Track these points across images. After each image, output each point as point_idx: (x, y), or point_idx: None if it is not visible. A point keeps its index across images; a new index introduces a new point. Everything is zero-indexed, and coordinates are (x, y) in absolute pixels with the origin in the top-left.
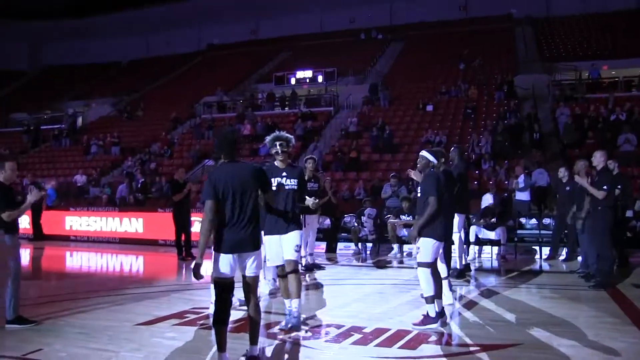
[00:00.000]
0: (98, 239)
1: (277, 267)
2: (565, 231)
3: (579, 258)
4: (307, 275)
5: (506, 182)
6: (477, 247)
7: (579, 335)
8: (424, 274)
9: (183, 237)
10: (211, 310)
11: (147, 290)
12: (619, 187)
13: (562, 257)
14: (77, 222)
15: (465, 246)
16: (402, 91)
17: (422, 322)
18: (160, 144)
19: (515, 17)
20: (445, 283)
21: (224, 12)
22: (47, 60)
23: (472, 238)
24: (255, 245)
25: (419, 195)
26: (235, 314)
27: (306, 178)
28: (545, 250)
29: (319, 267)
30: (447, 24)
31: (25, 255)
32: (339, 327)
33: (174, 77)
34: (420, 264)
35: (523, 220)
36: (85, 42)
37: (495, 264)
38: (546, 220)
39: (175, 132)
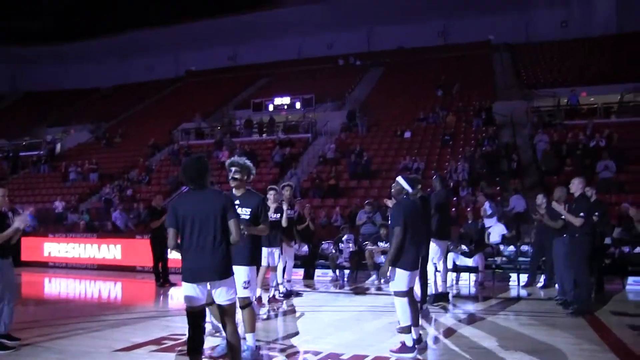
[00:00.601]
0: (76, 265)
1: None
2: (543, 258)
3: (557, 285)
4: (284, 301)
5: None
6: (454, 274)
7: None
8: (400, 303)
9: (160, 264)
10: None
11: (125, 317)
12: (597, 214)
13: (540, 284)
14: (55, 248)
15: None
16: (380, 117)
17: (399, 350)
18: (138, 170)
19: (493, 44)
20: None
21: (203, 38)
22: (27, 86)
23: (449, 265)
24: (222, 273)
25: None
26: (212, 341)
27: (284, 206)
28: (523, 277)
29: (297, 294)
30: (425, 50)
31: None
32: (316, 354)
33: (153, 102)
34: (396, 293)
35: (501, 247)
36: (65, 68)
37: (473, 290)
38: (524, 247)
39: (153, 158)
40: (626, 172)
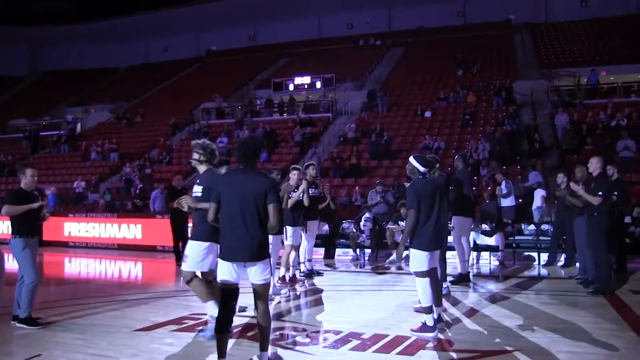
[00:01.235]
0: (96, 245)
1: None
2: (564, 237)
3: (578, 264)
4: (305, 281)
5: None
6: (475, 254)
7: (578, 341)
8: (421, 284)
9: (181, 244)
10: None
11: (145, 296)
12: (616, 193)
13: (560, 263)
14: (75, 228)
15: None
16: (401, 97)
17: (420, 329)
18: (158, 150)
19: (514, 23)
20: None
21: (223, 18)
22: (46, 66)
23: (470, 244)
24: (257, 256)
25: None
26: (235, 320)
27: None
28: (544, 256)
29: (318, 274)
30: (445, 30)
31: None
32: (337, 333)
33: (173, 83)
34: (416, 274)
35: (522, 226)
36: (84, 48)
37: (494, 270)
38: (544, 227)
39: (174, 138)
40: None
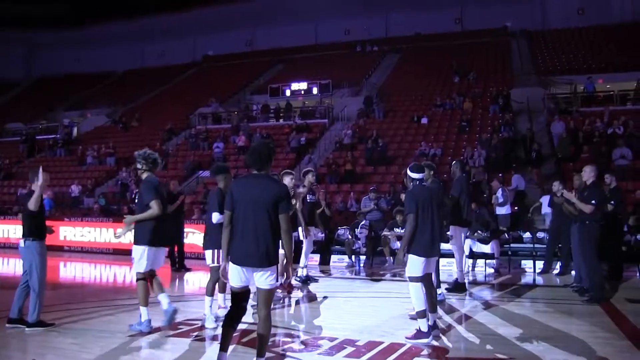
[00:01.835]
0: (92, 249)
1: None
2: (559, 245)
3: (573, 272)
4: (301, 287)
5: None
6: (471, 261)
7: (573, 350)
8: (414, 289)
9: (176, 249)
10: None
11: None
12: (612, 202)
13: (555, 271)
14: (71, 232)
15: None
16: (397, 103)
17: (414, 335)
18: None
19: (510, 30)
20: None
21: (219, 24)
22: (42, 70)
23: (466, 252)
24: (266, 262)
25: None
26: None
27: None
28: (539, 264)
29: (313, 280)
30: (442, 36)
31: (18, 265)
32: (332, 339)
33: (170, 87)
34: (410, 279)
35: (519, 233)
36: (81, 52)
37: (489, 277)
38: (540, 234)
39: (170, 142)
40: None
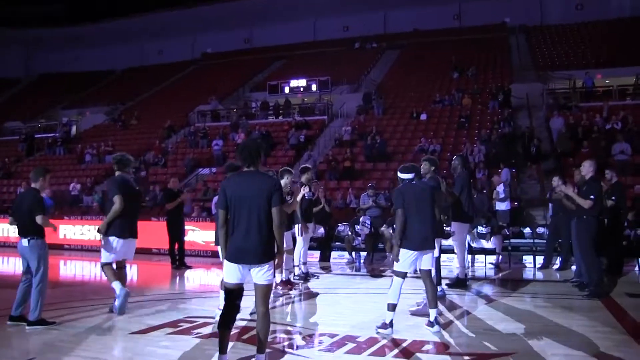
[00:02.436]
0: (92, 247)
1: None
2: (559, 240)
3: (573, 267)
4: (301, 284)
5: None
6: (471, 256)
7: (573, 345)
8: (395, 282)
9: (177, 246)
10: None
11: (140, 299)
12: (613, 198)
13: (555, 266)
14: (70, 230)
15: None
16: (396, 100)
17: (380, 325)
18: (154, 152)
19: (509, 26)
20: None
21: (218, 21)
22: (42, 68)
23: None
24: (262, 257)
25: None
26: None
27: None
28: (539, 259)
29: (313, 276)
30: (441, 32)
31: (18, 264)
32: (332, 336)
33: (169, 85)
34: (394, 272)
35: (520, 228)
36: (80, 50)
37: (489, 272)
38: (540, 230)
39: (169, 140)
40: None
